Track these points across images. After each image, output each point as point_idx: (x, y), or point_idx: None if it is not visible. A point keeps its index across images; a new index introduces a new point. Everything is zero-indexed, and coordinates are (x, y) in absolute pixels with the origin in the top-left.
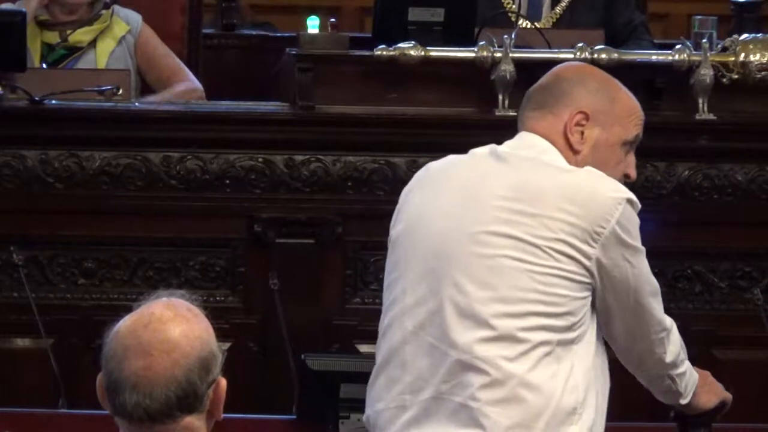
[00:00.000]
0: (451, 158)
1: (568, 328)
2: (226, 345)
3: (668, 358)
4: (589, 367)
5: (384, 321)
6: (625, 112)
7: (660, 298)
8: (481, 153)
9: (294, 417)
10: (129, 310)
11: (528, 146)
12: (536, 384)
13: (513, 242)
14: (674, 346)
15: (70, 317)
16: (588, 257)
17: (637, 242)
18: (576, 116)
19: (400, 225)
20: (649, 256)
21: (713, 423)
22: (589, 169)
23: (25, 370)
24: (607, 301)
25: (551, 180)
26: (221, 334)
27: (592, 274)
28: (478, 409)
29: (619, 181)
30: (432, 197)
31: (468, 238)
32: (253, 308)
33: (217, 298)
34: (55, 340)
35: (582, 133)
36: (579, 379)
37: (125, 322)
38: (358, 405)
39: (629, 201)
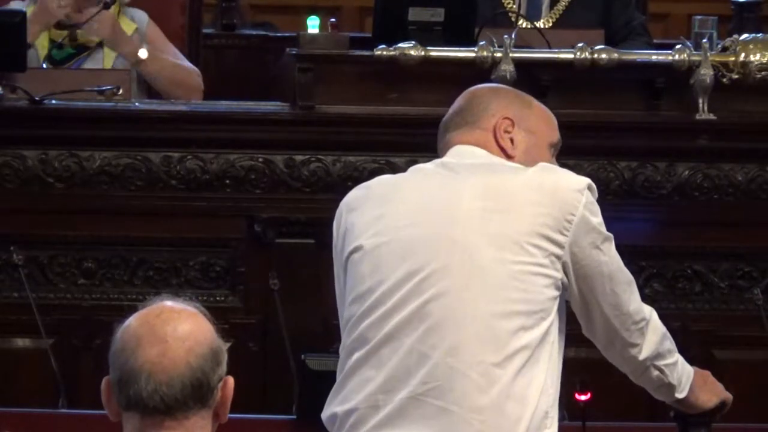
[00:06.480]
0: (389, 176)
1: (542, 329)
2: (226, 345)
3: (649, 348)
4: (555, 368)
5: (355, 325)
6: (543, 116)
7: (635, 288)
8: (426, 167)
9: (294, 417)
10: (129, 309)
11: (470, 155)
12: (518, 392)
13: (491, 240)
14: (654, 335)
15: (70, 317)
16: (561, 246)
17: (603, 227)
18: (503, 122)
19: (363, 239)
20: (650, 256)
21: (713, 423)
22: (541, 164)
23: (25, 370)
24: (584, 295)
25: (512, 180)
26: (221, 334)
27: (565, 268)
28: (460, 415)
29: None
30: (394, 210)
31: (447, 242)
32: (253, 308)
33: (217, 298)
34: (55, 340)
35: (512, 139)
36: (549, 382)
37: (135, 317)
38: None
39: (589, 186)
